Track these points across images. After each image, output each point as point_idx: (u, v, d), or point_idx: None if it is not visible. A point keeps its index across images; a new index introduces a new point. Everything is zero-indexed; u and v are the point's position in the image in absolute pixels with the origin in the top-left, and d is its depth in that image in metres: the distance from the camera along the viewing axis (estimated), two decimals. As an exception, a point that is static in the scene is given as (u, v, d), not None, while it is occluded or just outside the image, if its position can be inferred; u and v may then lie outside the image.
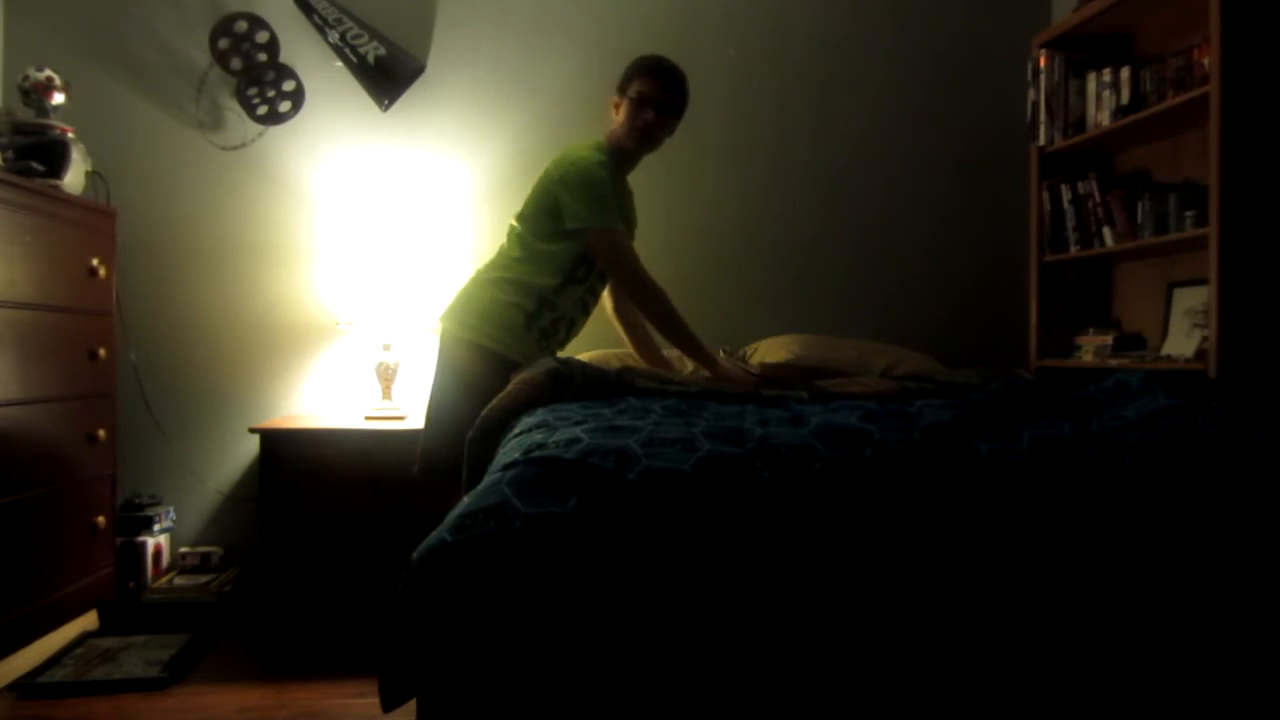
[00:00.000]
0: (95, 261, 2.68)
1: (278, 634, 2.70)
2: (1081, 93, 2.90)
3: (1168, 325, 2.75)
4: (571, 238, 2.24)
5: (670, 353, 2.62)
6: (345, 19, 3.04)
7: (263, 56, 3.04)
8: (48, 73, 2.63)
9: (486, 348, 2.23)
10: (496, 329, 2.25)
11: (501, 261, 2.33)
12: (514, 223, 2.34)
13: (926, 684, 1.10)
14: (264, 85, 3.06)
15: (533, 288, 2.26)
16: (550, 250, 2.27)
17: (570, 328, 2.37)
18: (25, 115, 2.63)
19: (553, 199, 2.25)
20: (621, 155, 2.36)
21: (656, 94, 2.29)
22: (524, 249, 2.30)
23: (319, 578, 2.71)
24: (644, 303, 2.32)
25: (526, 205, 2.33)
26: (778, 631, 1.09)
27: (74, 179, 2.63)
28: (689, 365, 2.53)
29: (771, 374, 2.53)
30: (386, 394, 2.95)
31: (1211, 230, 2.29)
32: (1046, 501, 1.16)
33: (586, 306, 2.39)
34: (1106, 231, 2.80)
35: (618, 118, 2.34)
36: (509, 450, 1.38)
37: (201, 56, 3.04)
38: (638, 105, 2.29)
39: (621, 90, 2.33)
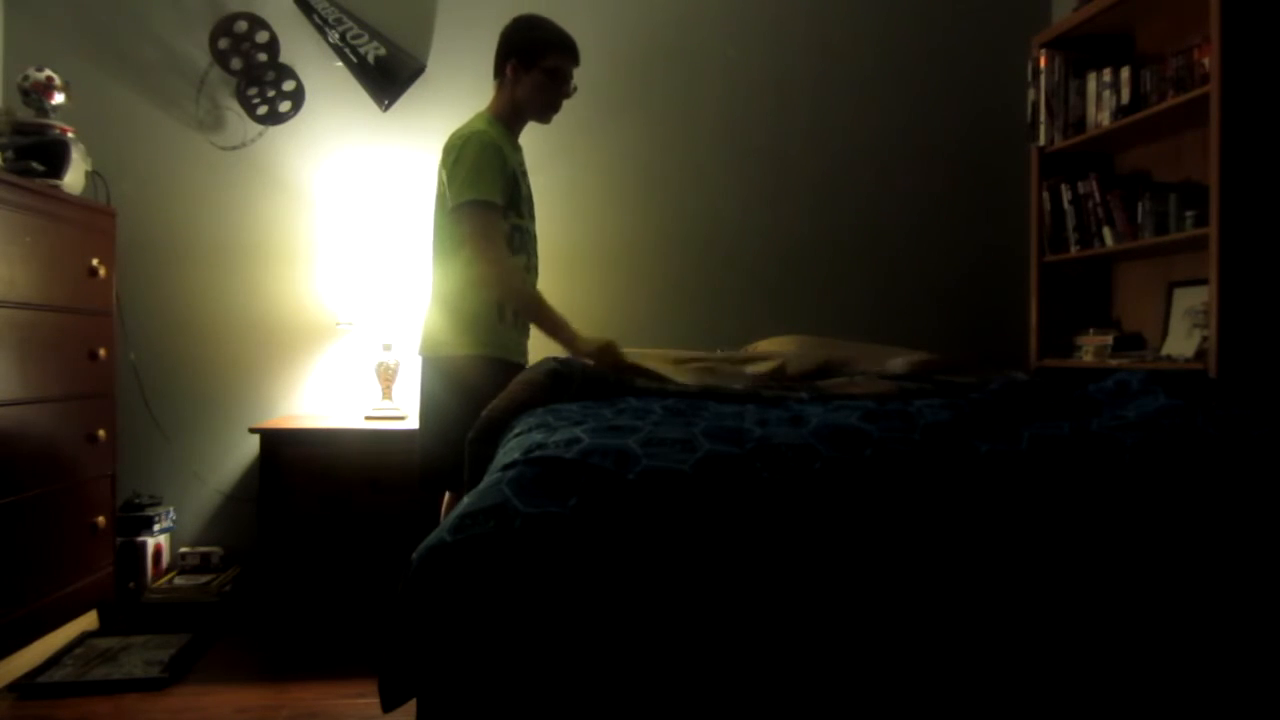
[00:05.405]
0: (95, 261, 2.68)
1: (277, 634, 2.70)
2: (1081, 93, 2.90)
3: (1168, 325, 2.75)
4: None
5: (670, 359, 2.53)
6: (345, 19, 3.04)
7: (263, 56, 3.04)
8: (48, 73, 2.63)
9: (476, 355, 2.21)
10: (478, 332, 2.21)
11: (442, 274, 2.25)
12: (433, 238, 2.27)
13: (926, 683, 1.10)
14: (264, 85, 3.06)
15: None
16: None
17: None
18: (25, 115, 2.64)
19: (444, 186, 2.20)
20: (514, 125, 2.31)
21: (572, 70, 2.28)
22: (445, 253, 2.22)
23: (319, 578, 2.71)
24: (483, 281, 2.16)
25: (435, 215, 2.25)
26: (778, 631, 1.09)
27: (74, 179, 2.63)
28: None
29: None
30: (386, 394, 2.95)
31: (1211, 230, 2.29)
32: (1046, 501, 1.16)
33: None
34: (1106, 231, 2.80)
35: (519, 86, 2.25)
36: (509, 450, 1.38)
37: (201, 56, 3.04)
38: (556, 80, 2.25)
39: (529, 60, 2.23)
